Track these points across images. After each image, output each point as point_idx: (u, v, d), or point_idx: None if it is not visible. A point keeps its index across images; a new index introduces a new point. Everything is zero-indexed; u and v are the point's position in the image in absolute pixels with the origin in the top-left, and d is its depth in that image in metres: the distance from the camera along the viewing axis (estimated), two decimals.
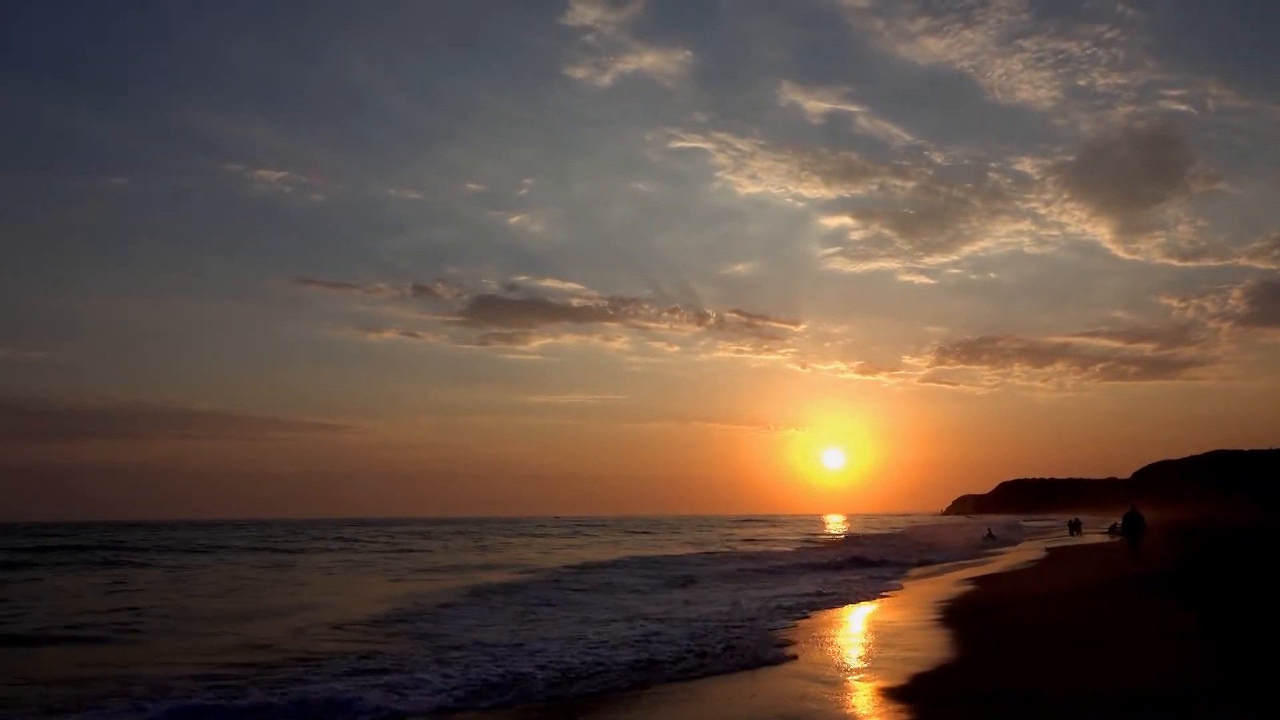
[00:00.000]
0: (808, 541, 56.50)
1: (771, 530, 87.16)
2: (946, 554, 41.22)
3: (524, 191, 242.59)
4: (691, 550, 44.64)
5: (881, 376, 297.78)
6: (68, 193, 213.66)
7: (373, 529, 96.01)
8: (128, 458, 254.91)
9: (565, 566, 32.06)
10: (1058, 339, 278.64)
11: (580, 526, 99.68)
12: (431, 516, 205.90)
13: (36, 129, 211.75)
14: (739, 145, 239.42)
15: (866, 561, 33.92)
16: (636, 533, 79.71)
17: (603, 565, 32.29)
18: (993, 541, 54.42)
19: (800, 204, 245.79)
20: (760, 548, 48.18)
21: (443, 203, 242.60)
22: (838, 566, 31.96)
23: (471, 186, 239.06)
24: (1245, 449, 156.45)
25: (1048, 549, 43.00)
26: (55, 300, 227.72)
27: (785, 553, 42.78)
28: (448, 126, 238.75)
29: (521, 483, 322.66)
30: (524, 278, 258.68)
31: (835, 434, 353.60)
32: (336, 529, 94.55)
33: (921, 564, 34.36)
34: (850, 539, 59.54)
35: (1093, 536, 56.73)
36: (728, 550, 45.12)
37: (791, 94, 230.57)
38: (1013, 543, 54.16)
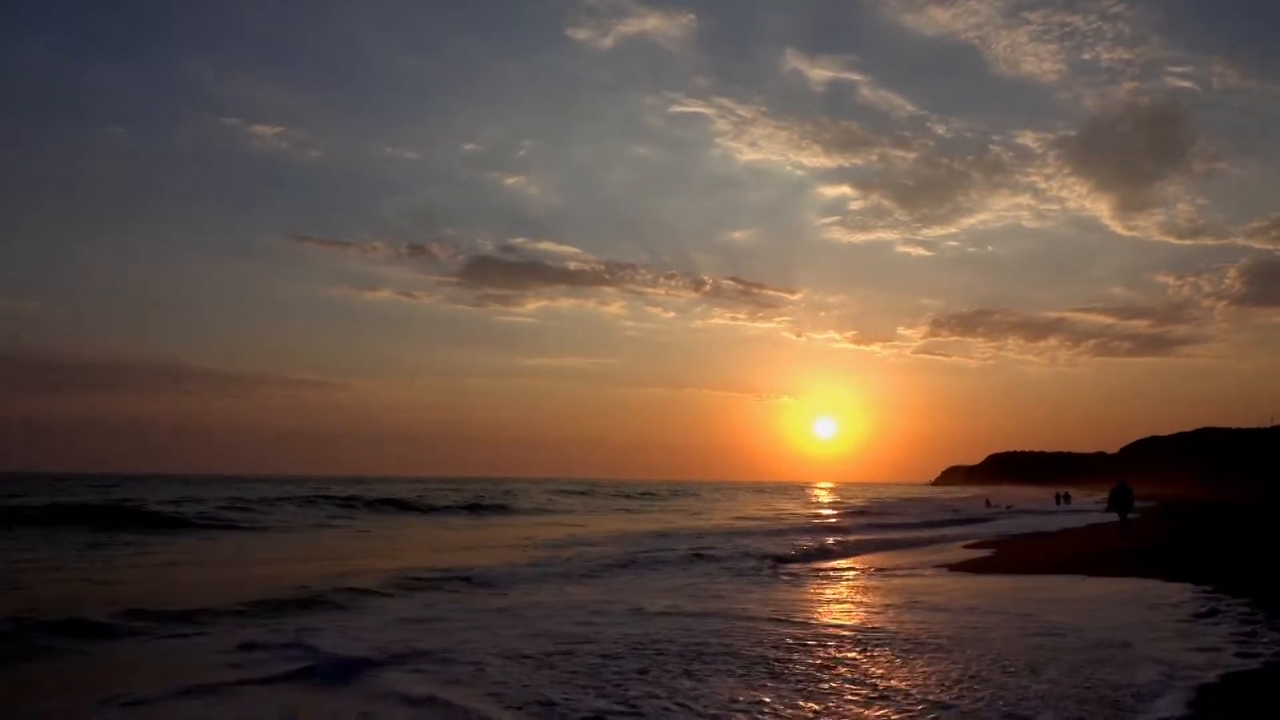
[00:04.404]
0: (860, 513, 60.68)
1: (787, 502, 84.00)
2: (978, 519, 46.28)
3: (522, 153, 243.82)
4: (780, 524, 46.67)
5: (876, 347, 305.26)
6: (64, 143, 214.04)
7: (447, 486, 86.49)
8: (120, 411, 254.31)
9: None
10: (1053, 314, 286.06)
11: (588, 491, 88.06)
12: (424, 476, 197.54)
13: (34, 79, 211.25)
14: (740, 112, 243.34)
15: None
16: (662, 497, 77.22)
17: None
18: (1003, 511, 59.16)
19: (800, 173, 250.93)
20: (820, 521, 51.42)
21: (440, 163, 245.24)
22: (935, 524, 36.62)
23: (469, 147, 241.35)
24: (1235, 427, 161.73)
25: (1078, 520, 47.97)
26: (51, 252, 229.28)
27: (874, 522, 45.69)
28: (446, 86, 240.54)
29: (514, 446, 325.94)
30: (520, 240, 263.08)
31: (827, 403, 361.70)
32: (409, 485, 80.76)
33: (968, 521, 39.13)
34: (885, 508, 64.13)
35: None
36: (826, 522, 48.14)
37: (795, 61, 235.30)
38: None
